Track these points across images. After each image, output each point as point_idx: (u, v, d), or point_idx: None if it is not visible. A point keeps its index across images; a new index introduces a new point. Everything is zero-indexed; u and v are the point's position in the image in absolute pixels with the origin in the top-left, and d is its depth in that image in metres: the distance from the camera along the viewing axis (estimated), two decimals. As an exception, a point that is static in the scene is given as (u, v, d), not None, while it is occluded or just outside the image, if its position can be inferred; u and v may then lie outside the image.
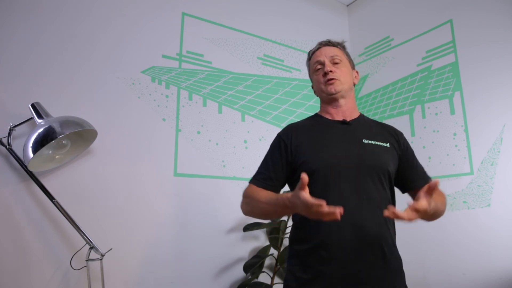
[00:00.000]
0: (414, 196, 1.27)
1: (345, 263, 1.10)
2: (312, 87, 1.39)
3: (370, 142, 1.23)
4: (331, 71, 1.26)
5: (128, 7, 2.02)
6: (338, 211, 0.90)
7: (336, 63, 1.29)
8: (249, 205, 1.22)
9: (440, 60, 2.26)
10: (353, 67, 1.36)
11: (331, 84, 1.26)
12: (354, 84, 1.34)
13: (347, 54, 1.36)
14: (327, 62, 1.28)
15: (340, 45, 1.35)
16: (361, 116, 1.34)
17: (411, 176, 1.28)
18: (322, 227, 1.11)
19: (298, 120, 1.42)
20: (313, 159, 1.18)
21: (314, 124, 1.31)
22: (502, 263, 1.82)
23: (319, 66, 1.30)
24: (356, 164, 1.17)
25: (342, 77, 1.27)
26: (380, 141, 1.24)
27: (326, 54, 1.30)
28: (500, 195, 1.90)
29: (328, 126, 1.27)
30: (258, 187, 1.23)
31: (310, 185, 1.17)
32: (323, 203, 0.91)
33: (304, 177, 0.93)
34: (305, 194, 0.93)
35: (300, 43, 2.64)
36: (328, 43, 1.34)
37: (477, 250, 1.92)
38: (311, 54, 1.36)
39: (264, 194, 1.17)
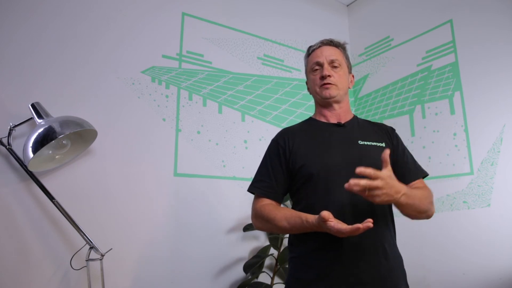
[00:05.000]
0: None
1: (348, 263, 1.10)
2: (307, 83, 1.38)
3: (365, 143, 1.23)
4: (329, 76, 1.26)
5: (128, 7, 2.02)
6: (361, 226, 0.97)
7: (335, 67, 1.28)
8: (265, 225, 1.21)
9: (440, 60, 2.26)
10: (350, 71, 1.36)
11: (327, 88, 1.26)
12: (349, 88, 1.34)
13: (347, 57, 1.36)
14: (326, 65, 1.27)
15: (341, 47, 1.35)
16: (355, 117, 1.35)
17: (401, 171, 1.26)
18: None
19: (298, 120, 1.42)
20: (312, 163, 1.19)
21: (309, 127, 1.31)
22: (502, 263, 1.82)
23: (317, 67, 1.30)
24: (354, 165, 1.17)
25: (338, 83, 1.27)
26: (375, 141, 1.25)
27: (327, 56, 1.29)
28: (500, 195, 1.90)
29: (323, 128, 1.28)
30: (262, 196, 1.23)
31: (310, 188, 1.18)
32: (356, 227, 0.97)
33: (325, 214, 0.99)
34: (335, 224, 0.99)
35: (300, 43, 2.63)
36: (330, 43, 1.33)
37: (477, 250, 1.92)
38: (310, 51, 1.35)
39: (282, 215, 1.14)
